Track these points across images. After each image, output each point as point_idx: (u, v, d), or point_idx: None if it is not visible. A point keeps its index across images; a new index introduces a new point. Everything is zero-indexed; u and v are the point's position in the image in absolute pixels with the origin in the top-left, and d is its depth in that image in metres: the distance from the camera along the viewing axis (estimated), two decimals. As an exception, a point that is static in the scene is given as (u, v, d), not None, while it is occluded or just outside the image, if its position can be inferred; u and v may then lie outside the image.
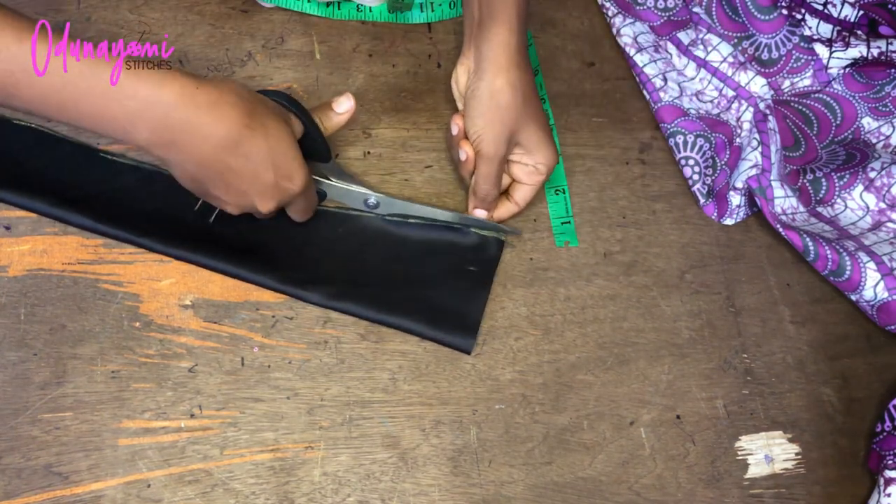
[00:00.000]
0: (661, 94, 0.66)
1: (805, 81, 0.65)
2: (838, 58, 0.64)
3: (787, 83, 0.66)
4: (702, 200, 0.64)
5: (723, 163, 0.65)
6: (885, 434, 0.57)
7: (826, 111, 0.66)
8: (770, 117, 0.65)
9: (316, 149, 0.53)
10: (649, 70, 0.66)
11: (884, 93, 0.65)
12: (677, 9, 0.68)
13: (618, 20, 0.68)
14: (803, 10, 0.65)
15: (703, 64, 0.67)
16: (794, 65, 0.65)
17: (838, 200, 0.62)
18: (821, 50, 0.64)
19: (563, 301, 0.59)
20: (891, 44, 0.63)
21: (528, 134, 0.55)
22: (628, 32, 0.68)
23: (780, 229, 0.61)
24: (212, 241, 0.55)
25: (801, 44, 0.65)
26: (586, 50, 0.68)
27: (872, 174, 0.61)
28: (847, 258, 0.60)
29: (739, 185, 0.64)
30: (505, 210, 0.59)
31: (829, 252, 0.60)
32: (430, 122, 0.63)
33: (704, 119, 0.65)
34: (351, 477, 0.51)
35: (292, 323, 0.54)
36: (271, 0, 0.63)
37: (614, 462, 0.55)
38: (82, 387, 0.51)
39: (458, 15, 0.67)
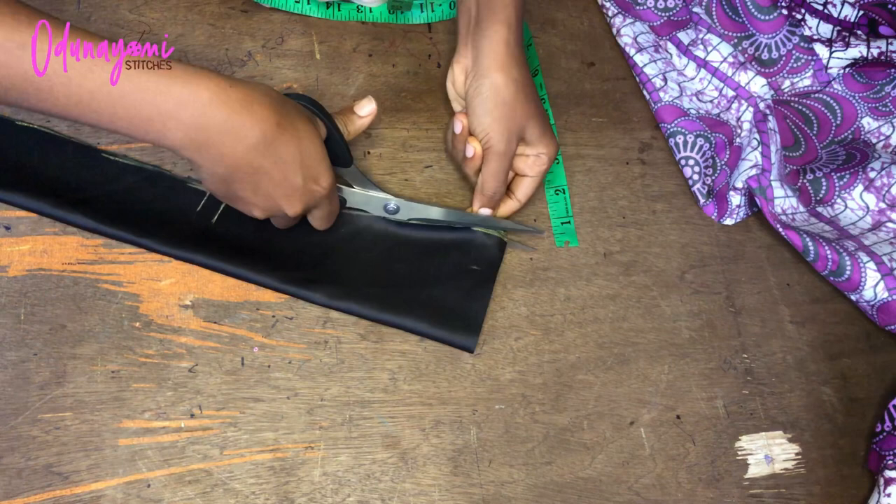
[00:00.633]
0: (661, 94, 0.66)
1: (805, 81, 0.65)
2: (838, 58, 0.64)
3: (787, 83, 0.66)
4: (702, 200, 0.64)
5: (723, 163, 0.65)
6: (885, 434, 0.57)
7: (826, 111, 0.66)
8: (770, 117, 0.65)
9: (337, 153, 0.53)
10: (649, 70, 0.66)
11: (884, 93, 0.65)
12: (677, 9, 0.68)
13: (618, 20, 0.68)
14: (803, 10, 0.65)
15: (703, 64, 0.67)
16: (794, 65, 0.65)
17: (838, 200, 0.62)
18: (821, 50, 0.64)
19: (563, 301, 0.59)
20: (891, 44, 0.63)
21: (532, 127, 0.55)
22: (628, 32, 0.68)
23: (780, 229, 0.61)
24: (214, 241, 0.55)
25: (801, 44, 0.65)
26: (586, 50, 0.68)
27: (872, 174, 0.61)
28: (847, 258, 0.60)
29: (739, 185, 0.64)
30: (507, 208, 0.59)
31: (828, 252, 0.60)
32: (430, 122, 0.63)
33: (704, 119, 0.65)
34: (351, 477, 0.51)
35: (292, 323, 0.54)
36: (271, 2, 0.63)
37: (614, 462, 0.55)
38: (82, 387, 0.51)
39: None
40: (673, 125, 0.65)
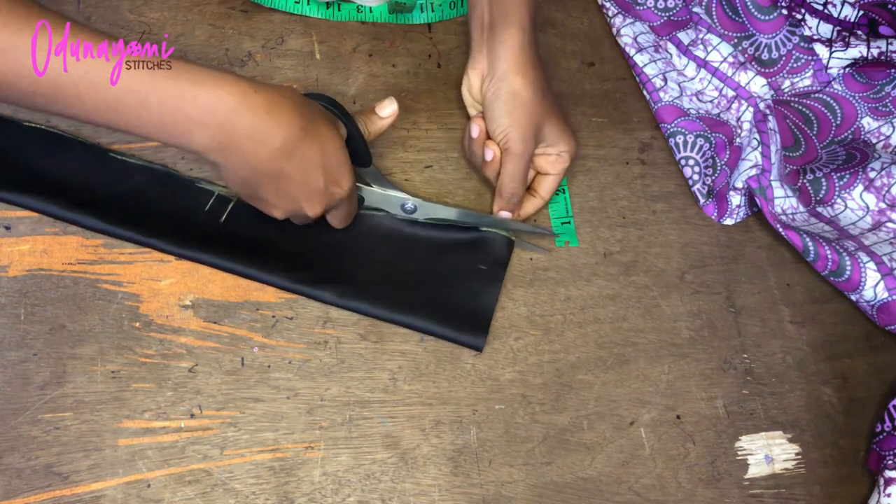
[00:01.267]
0: (661, 94, 0.66)
1: (805, 81, 0.65)
2: (838, 58, 0.64)
3: (787, 83, 0.66)
4: (702, 200, 0.64)
5: (723, 163, 0.65)
6: (885, 434, 0.57)
7: (826, 111, 0.66)
8: (770, 117, 0.65)
9: (357, 153, 0.53)
10: (649, 70, 0.66)
11: (884, 93, 0.65)
12: (677, 9, 0.68)
13: (618, 20, 0.68)
14: (803, 10, 0.65)
15: (703, 64, 0.67)
16: (794, 65, 0.65)
17: (838, 200, 0.62)
18: (821, 50, 0.64)
19: (563, 301, 0.59)
20: (891, 44, 0.63)
21: (550, 126, 0.56)
22: (628, 32, 0.68)
23: (780, 229, 0.61)
24: (223, 241, 0.55)
25: (801, 44, 0.65)
26: (586, 50, 0.68)
27: (872, 174, 0.61)
28: (847, 258, 0.60)
29: (739, 185, 0.64)
30: (531, 205, 0.60)
31: (828, 252, 0.60)
32: (430, 122, 0.63)
33: (704, 119, 0.65)
34: (351, 477, 0.51)
35: (292, 323, 0.54)
36: (271, 3, 0.63)
37: (614, 462, 0.55)
38: (82, 387, 0.51)
39: (458, 15, 0.67)
40: (673, 125, 0.65)
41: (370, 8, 0.65)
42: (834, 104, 0.65)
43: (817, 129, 0.66)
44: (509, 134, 0.55)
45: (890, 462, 0.55)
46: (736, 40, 0.66)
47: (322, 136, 0.48)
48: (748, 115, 0.66)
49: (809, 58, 0.65)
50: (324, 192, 0.49)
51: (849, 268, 0.60)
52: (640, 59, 0.67)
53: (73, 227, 0.54)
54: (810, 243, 0.60)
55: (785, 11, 0.64)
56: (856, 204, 0.62)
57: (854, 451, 0.58)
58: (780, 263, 0.63)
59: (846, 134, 0.66)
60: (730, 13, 0.65)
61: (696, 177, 0.64)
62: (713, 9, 0.66)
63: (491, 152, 0.56)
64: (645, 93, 0.66)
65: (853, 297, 0.61)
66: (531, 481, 0.53)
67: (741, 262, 0.63)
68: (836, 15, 0.64)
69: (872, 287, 0.59)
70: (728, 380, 0.59)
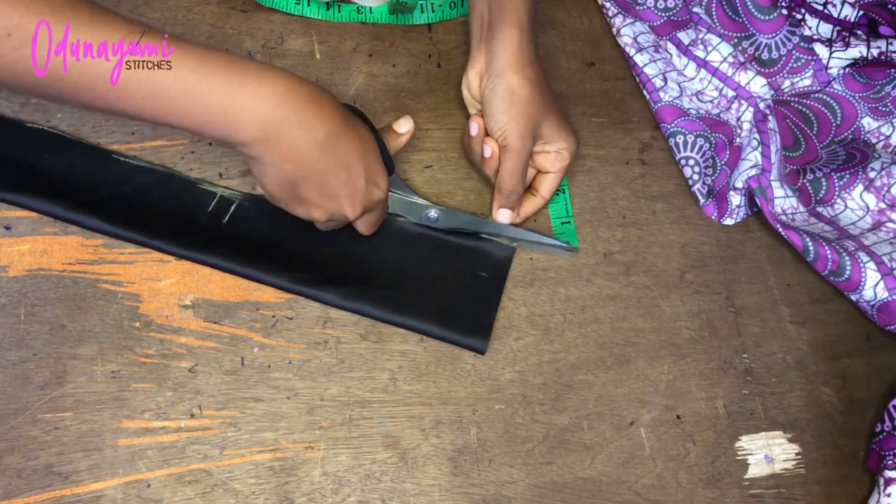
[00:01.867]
0: (661, 94, 0.66)
1: (805, 81, 0.65)
2: (838, 58, 0.64)
3: (787, 83, 0.66)
4: (702, 200, 0.64)
5: (723, 163, 0.65)
6: (884, 434, 0.57)
7: (826, 111, 0.66)
8: (770, 117, 0.65)
9: (382, 160, 0.54)
10: (649, 70, 0.66)
11: (884, 93, 0.65)
12: (677, 9, 0.68)
13: (618, 20, 0.68)
14: (803, 10, 0.65)
15: (703, 64, 0.67)
16: (794, 65, 0.65)
17: (838, 200, 0.62)
18: (821, 50, 0.64)
19: (563, 301, 0.59)
20: (891, 44, 0.63)
21: (548, 124, 0.56)
22: (628, 32, 0.68)
23: (780, 229, 0.61)
24: (225, 242, 0.55)
25: (801, 44, 0.65)
26: (586, 50, 0.68)
27: (872, 174, 0.61)
28: (847, 258, 0.60)
29: (739, 185, 0.64)
30: (531, 205, 0.60)
31: (828, 252, 0.60)
32: (430, 122, 0.63)
33: (704, 119, 0.65)
34: (351, 477, 0.51)
35: (292, 323, 0.55)
36: (271, 3, 0.63)
37: (614, 462, 0.55)
38: (82, 387, 0.51)
39: (458, 15, 0.67)
40: (673, 125, 0.65)
41: (370, 8, 0.65)
42: (834, 104, 0.65)
43: (817, 129, 0.66)
44: (507, 131, 0.55)
45: (890, 462, 0.55)
46: (736, 40, 0.66)
47: (360, 132, 0.49)
48: (748, 115, 0.66)
49: (809, 58, 0.65)
50: (364, 191, 0.50)
51: (849, 268, 0.60)
52: (640, 59, 0.67)
53: (73, 227, 0.54)
54: (810, 243, 0.60)
55: (785, 11, 0.64)
56: (856, 204, 0.62)
57: (854, 451, 0.58)
58: (780, 263, 0.63)
59: (846, 134, 0.66)
60: (730, 13, 0.65)
61: (696, 177, 0.64)
62: (713, 9, 0.66)
63: (489, 149, 0.56)
64: (645, 93, 0.66)
65: (853, 297, 0.61)
66: (531, 481, 0.53)
67: (741, 262, 0.63)
68: (836, 15, 0.64)
69: (872, 287, 0.59)
70: (728, 380, 0.59)
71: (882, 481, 0.54)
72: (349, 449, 0.52)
